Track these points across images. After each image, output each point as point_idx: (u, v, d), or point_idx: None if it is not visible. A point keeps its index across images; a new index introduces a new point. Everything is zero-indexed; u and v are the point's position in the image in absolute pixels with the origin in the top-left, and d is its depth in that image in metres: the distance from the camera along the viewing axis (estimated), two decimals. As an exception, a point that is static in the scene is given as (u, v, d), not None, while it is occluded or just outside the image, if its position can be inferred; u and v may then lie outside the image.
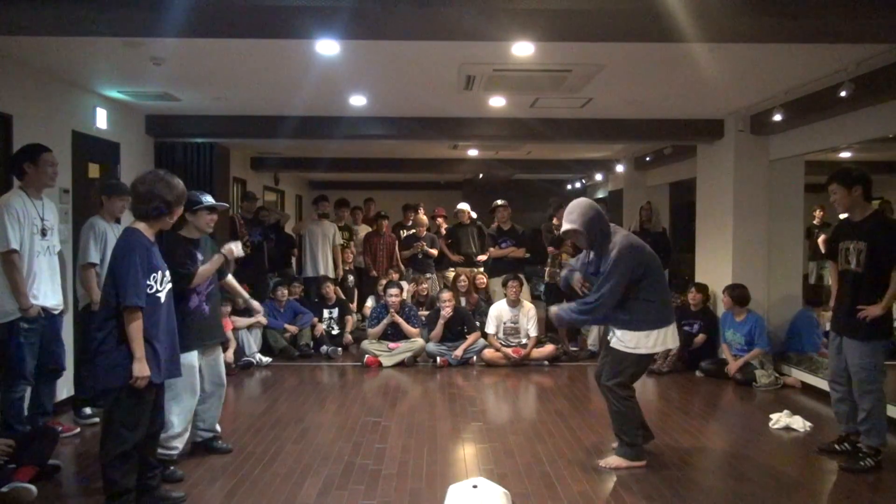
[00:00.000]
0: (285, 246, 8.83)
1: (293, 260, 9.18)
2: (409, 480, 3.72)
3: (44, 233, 4.04)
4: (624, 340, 3.89)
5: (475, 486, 2.77)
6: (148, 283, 3.08)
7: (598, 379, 4.08)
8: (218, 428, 4.19)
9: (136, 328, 3.00)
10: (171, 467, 3.67)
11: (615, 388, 3.91)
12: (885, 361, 3.89)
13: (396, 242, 8.98)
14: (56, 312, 4.16)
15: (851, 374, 3.91)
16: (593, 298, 3.86)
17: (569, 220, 3.85)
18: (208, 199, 3.87)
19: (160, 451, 3.54)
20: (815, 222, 9.36)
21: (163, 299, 3.19)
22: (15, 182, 4.18)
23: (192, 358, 3.70)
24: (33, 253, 3.97)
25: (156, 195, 3.15)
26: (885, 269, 3.78)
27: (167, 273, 3.25)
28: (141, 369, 3.01)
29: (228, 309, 6.68)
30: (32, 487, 3.40)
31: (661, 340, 3.87)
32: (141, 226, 3.16)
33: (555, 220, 7.52)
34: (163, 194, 3.16)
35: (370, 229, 9.17)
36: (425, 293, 7.87)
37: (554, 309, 4.23)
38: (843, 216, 4.16)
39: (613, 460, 3.97)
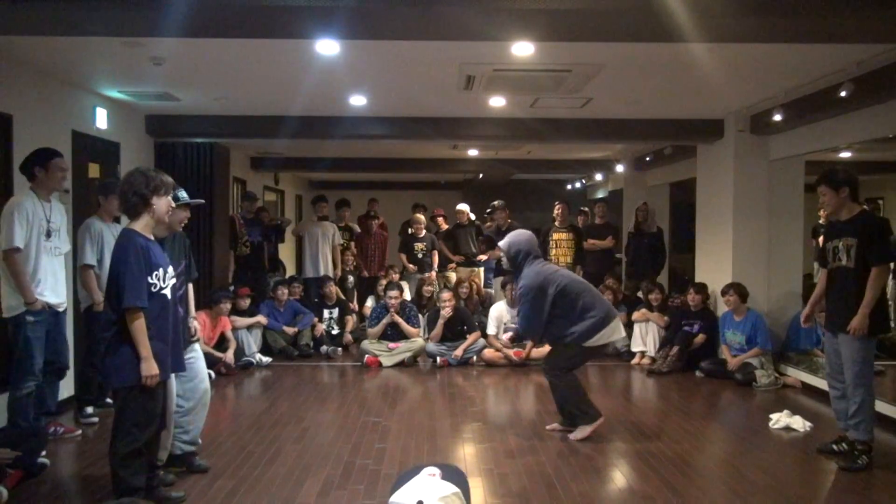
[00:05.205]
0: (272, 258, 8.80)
1: (280, 268, 9.17)
2: (409, 480, 3.72)
3: (49, 234, 4.15)
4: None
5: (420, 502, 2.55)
6: (150, 281, 3.07)
7: (544, 371, 4.68)
8: (199, 441, 3.90)
9: (138, 328, 3.00)
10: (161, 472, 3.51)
11: (557, 373, 4.50)
12: (889, 361, 3.92)
13: (387, 241, 8.98)
14: (60, 310, 4.27)
15: (845, 367, 3.97)
16: (518, 324, 4.91)
17: (504, 241, 4.67)
18: (183, 195, 3.65)
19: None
20: (820, 222, 9.32)
21: (168, 296, 3.18)
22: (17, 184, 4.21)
23: None
24: (39, 253, 4.08)
25: (131, 190, 3.11)
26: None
27: (170, 269, 3.23)
28: (149, 368, 3.01)
29: (228, 307, 6.68)
30: (3, 490, 3.39)
31: (604, 337, 4.44)
32: (135, 225, 3.14)
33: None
34: (137, 187, 3.11)
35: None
36: (429, 294, 7.79)
37: (510, 334, 5.63)
38: (830, 218, 4.16)
39: (579, 432, 4.42)
